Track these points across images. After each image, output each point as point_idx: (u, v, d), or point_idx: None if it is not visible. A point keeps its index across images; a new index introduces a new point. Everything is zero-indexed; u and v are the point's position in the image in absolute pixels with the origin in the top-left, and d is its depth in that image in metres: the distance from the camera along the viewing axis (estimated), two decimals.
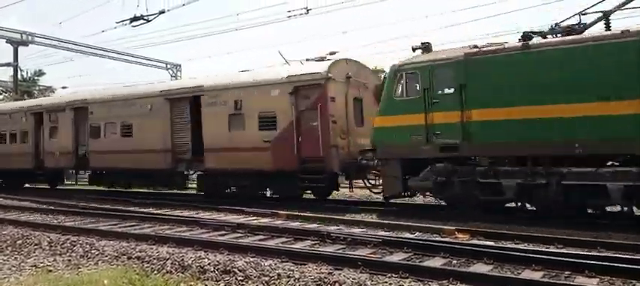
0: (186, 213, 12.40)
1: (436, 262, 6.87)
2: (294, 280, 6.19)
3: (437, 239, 8.46)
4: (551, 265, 6.40)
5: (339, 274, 6.24)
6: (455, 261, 6.90)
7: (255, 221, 10.96)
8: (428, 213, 10.76)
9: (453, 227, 8.99)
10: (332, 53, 17.80)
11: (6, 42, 32.30)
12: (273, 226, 9.85)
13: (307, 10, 19.22)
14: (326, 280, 6.07)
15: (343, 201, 14.37)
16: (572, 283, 5.90)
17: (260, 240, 8.70)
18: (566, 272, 6.22)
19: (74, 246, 8.67)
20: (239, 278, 6.49)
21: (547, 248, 7.62)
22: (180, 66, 40.25)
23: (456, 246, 7.37)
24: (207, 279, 6.62)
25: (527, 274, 6.21)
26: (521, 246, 7.74)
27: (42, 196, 17.84)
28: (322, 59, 15.98)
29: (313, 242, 8.41)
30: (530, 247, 7.68)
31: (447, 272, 6.08)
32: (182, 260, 7.28)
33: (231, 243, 8.14)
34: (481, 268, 6.50)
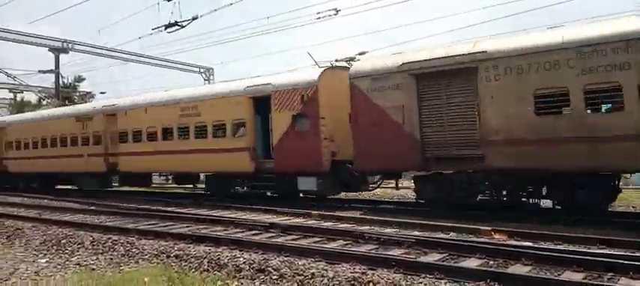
0: (220, 213, 12.63)
1: (472, 263, 6.75)
2: (328, 279, 6.22)
3: (472, 239, 8.32)
4: (593, 266, 6.21)
5: (373, 274, 6.23)
6: (492, 262, 6.77)
7: (288, 221, 11.06)
8: (462, 214, 10.57)
9: (490, 228, 8.82)
10: (361, 53, 17.80)
11: (48, 50, 33.74)
12: (305, 226, 9.92)
13: (336, 11, 19.27)
14: (360, 280, 6.07)
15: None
16: (614, 284, 5.70)
17: (293, 240, 8.78)
18: (609, 274, 6.02)
19: (115, 245, 8.97)
20: (273, 277, 6.58)
21: (588, 249, 7.38)
22: (212, 69, 41.03)
23: (492, 247, 7.23)
24: (243, 278, 6.73)
25: (568, 275, 6.03)
26: (561, 247, 7.53)
27: (82, 197, 18.52)
28: (351, 59, 15.99)
29: (346, 242, 8.42)
30: (571, 248, 7.46)
31: (483, 273, 5.97)
32: (218, 258, 7.43)
33: (265, 243, 8.26)
34: (519, 269, 6.36)
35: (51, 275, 7.34)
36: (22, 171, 24.25)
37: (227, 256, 7.49)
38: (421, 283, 5.91)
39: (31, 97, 45.78)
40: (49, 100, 35.00)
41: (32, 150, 23.10)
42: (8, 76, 32.60)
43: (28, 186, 23.50)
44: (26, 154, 23.52)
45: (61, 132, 21.53)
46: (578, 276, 5.97)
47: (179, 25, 18.33)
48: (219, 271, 7.03)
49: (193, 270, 7.19)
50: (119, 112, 19.25)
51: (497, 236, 8.51)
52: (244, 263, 7.10)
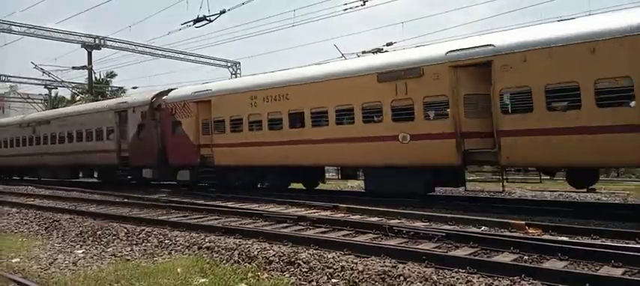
0: (248, 206, 12.76)
1: (506, 257, 6.61)
2: (358, 272, 6.21)
3: (505, 233, 8.15)
4: (631, 261, 6.00)
5: (403, 267, 6.19)
6: (526, 257, 6.62)
7: (316, 213, 11.08)
8: (495, 207, 10.38)
9: (523, 222, 8.63)
10: (389, 44, 17.59)
11: (81, 46, 34.66)
12: (334, 219, 9.92)
13: (364, 2, 19.04)
14: (390, 273, 6.04)
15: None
16: None
17: (322, 233, 8.79)
18: None
19: (149, 237, 9.18)
20: (303, 270, 6.61)
21: (627, 243, 7.13)
22: (239, 63, 41.38)
23: (526, 241, 7.07)
24: (273, 270, 6.79)
25: (606, 271, 5.87)
26: (598, 242, 7.30)
27: (121, 190, 19.02)
28: (379, 51, 15.82)
29: (375, 236, 8.39)
30: (609, 242, 7.22)
31: (517, 268, 5.84)
32: (248, 250, 7.52)
33: (295, 235, 8.29)
34: (555, 264, 6.20)
35: (88, 266, 7.57)
36: (242, 164, 15.94)
37: (257, 248, 7.56)
38: (453, 277, 5.83)
39: (66, 93, 47.34)
40: (82, 96, 35.96)
41: (266, 131, 14.90)
42: (43, 73, 33.62)
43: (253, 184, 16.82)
44: (250, 138, 15.36)
45: (338, 102, 13.14)
46: (617, 272, 5.79)
47: (207, 20, 18.46)
48: (249, 263, 7.11)
49: (224, 262, 7.30)
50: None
51: (531, 230, 8.32)
52: (274, 255, 7.16)
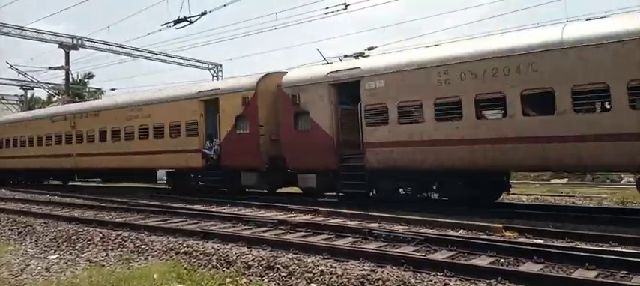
0: (228, 210, 12.65)
1: (483, 260, 6.69)
2: (337, 277, 6.20)
3: (483, 236, 8.25)
4: (605, 264, 6.13)
5: (383, 271, 6.20)
6: (503, 260, 6.70)
7: (297, 218, 11.04)
8: (473, 210, 10.49)
9: (500, 225, 8.75)
10: (370, 49, 17.68)
11: (58, 46, 33.97)
12: (314, 223, 9.90)
13: (346, 6, 19.14)
14: (369, 277, 6.04)
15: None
16: (628, 283, 5.62)
17: (302, 237, 8.76)
18: (622, 272, 5.94)
19: (125, 241, 9.02)
20: (282, 275, 6.56)
21: (600, 246, 7.29)
22: (221, 66, 41.10)
23: (503, 244, 7.17)
24: (252, 275, 6.73)
25: (580, 273, 5.97)
26: (572, 245, 7.44)
27: (96, 194, 18.65)
28: (361, 55, 15.89)
29: (355, 240, 8.39)
30: (583, 245, 7.37)
31: (494, 271, 5.92)
32: (227, 255, 7.44)
33: (274, 240, 8.25)
34: (531, 267, 6.29)
35: (61, 272, 7.39)
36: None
37: (236, 253, 7.49)
38: (431, 280, 5.86)
39: (42, 94, 46.32)
40: (59, 97, 35.23)
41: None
42: (19, 73, 32.84)
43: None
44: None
45: None
46: (590, 274, 5.89)
47: (188, 21, 18.31)
48: (228, 268, 7.03)
49: (202, 267, 7.20)
50: None
51: (508, 233, 8.43)
52: (253, 260, 7.10)
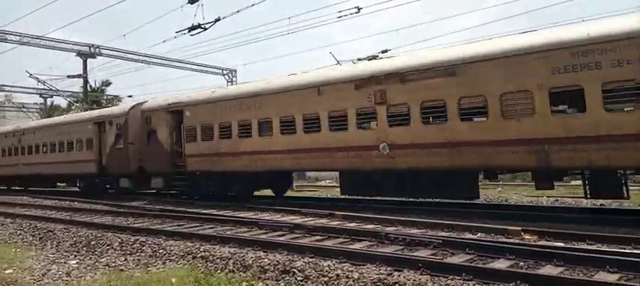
0: (244, 214, 12.70)
1: (501, 264, 6.59)
2: (354, 281, 6.17)
3: (501, 240, 8.13)
4: (627, 267, 6.00)
5: (399, 275, 6.16)
6: (522, 263, 6.60)
7: (312, 221, 11.03)
8: (490, 213, 10.37)
9: (519, 228, 8.62)
10: (384, 51, 17.64)
11: (76, 55, 34.62)
12: (329, 227, 9.87)
13: (358, 10, 19.12)
14: (386, 281, 6.01)
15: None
16: None
17: (317, 241, 8.75)
18: None
19: (143, 246, 9.11)
20: (298, 279, 6.56)
21: (623, 249, 7.13)
22: (235, 71, 41.38)
23: (522, 247, 7.05)
24: (268, 279, 6.74)
25: (602, 276, 5.84)
26: (594, 247, 7.30)
27: (113, 199, 18.89)
28: (374, 57, 15.87)
29: (371, 243, 8.35)
30: (605, 248, 7.22)
31: (513, 275, 5.82)
32: (243, 259, 7.46)
33: (290, 244, 8.24)
34: (551, 270, 6.18)
35: (81, 277, 7.50)
36: None
37: (252, 257, 7.51)
38: (448, 285, 5.81)
39: (61, 102, 47.20)
40: (77, 104, 35.87)
41: None
42: (38, 82, 33.54)
43: None
44: None
45: None
46: (612, 277, 5.77)
47: (202, 28, 18.45)
48: (244, 272, 7.05)
49: (219, 271, 7.24)
50: None
51: (527, 236, 8.30)
52: (269, 264, 7.11)
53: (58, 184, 27.23)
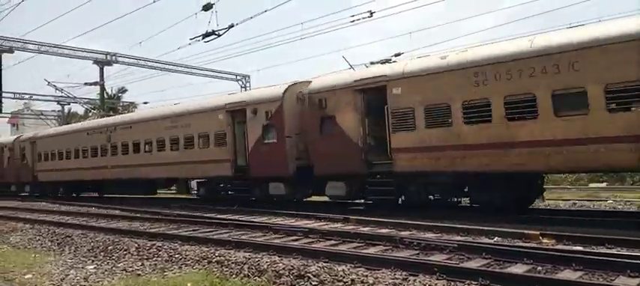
0: (259, 219, 12.74)
1: (519, 268, 6.50)
2: (369, 285, 6.14)
3: (519, 244, 8.02)
4: None
5: (415, 280, 6.12)
6: (540, 268, 6.49)
7: (326, 226, 11.02)
8: (508, 218, 10.24)
9: (537, 232, 8.49)
10: (397, 55, 17.60)
11: (93, 63, 35.21)
12: (344, 231, 9.85)
13: (371, 14, 19.11)
14: None
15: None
16: None
17: (332, 245, 8.73)
18: None
19: (159, 251, 9.19)
20: (313, 283, 6.55)
21: None
22: (249, 77, 41.63)
23: (540, 252, 6.95)
24: (283, 283, 6.74)
25: (622, 281, 5.74)
26: (613, 251, 7.16)
27: (131, 205, 19.10)
28: (387, 61, 15.84)
29: (386, 248, 8.31)
30: (625, 252, 7.08)
31: (531, 280, 5.75)
32: (258, 264, 7.48)
33: (304, 248, 8.24)
34: (569, 275, 6.07)
35: (98, 282, 7.59)
36: None
37: (267, 262, 7.53)
38: None
39: (78, 109, 47.97)
40: (94, 111, 36.46)
41: None
42: (57, 89, 34.22)
43: None
44: None
45: None
46: (633, 282, 5.66)
47: (216, 34, 18.60)
48: (259, 277, 7.07)
49: (234, 276, 7.27)
50: None
51: (545, 240, 8.18)
52: (284, 269, 7.11)
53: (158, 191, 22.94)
